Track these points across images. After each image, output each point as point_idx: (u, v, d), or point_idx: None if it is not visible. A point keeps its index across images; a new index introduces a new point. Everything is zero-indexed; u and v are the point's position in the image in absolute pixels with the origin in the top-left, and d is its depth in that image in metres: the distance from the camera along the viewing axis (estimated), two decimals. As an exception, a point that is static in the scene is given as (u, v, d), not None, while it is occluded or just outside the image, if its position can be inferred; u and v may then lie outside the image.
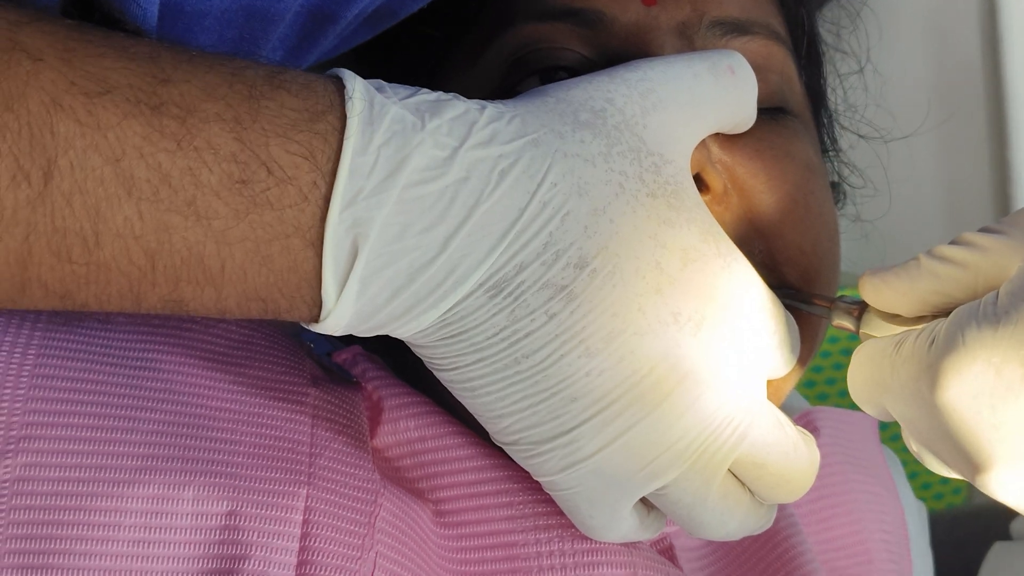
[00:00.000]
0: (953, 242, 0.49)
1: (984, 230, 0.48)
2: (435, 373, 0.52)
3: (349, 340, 0.61)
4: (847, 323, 0.53)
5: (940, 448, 0.47)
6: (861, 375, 0.51)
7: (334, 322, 0.47)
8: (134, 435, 0.51)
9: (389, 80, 0.50)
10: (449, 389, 0.52)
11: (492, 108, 0.49)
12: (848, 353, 1.06)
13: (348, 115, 0.46)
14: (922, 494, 1.06)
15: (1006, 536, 0.87)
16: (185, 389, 0.53)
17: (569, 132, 0.49)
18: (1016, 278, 0.45)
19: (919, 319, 0.50)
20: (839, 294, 0.58)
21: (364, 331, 0.49)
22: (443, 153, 0.47)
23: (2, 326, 0.51)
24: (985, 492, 0.46)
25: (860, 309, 0.53)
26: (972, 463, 0.46)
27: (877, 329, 0.52)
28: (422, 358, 0.52)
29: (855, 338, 0.53)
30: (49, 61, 0.42)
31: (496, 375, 0.49)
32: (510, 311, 0.48)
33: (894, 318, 0.51)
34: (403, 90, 0.48)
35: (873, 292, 0.51)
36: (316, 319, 0.48)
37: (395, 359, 0.62)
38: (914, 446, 0.50)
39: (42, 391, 0.50)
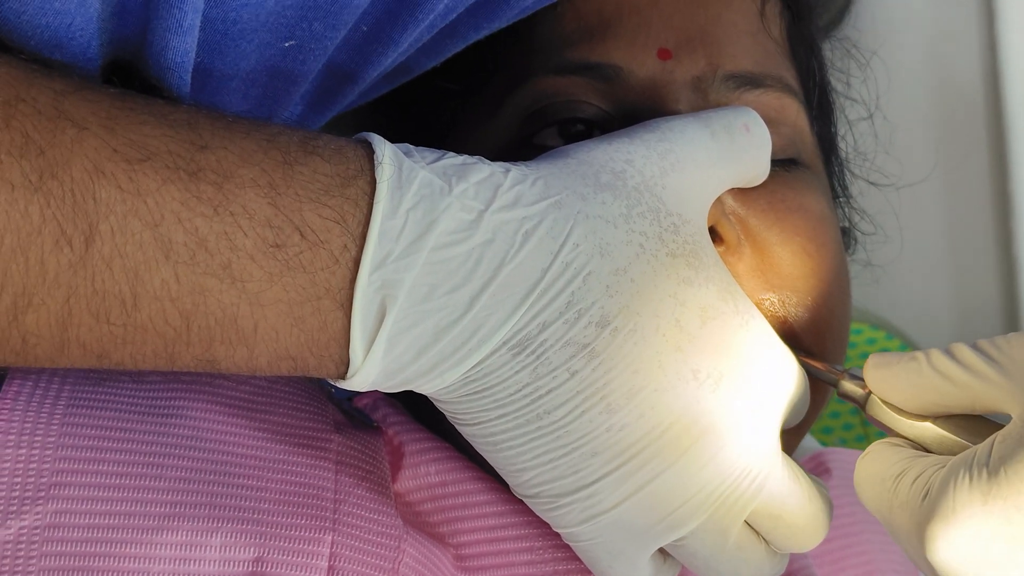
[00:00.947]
0: (951, 354, 0.50)
1: (982, 352, 0.49)
2: (458, 427, 0.53)
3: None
4: (854, 396, 0.55)
5: None
6: (866, 494, 0.52)
7: (361, 379, 0.49)
8: (162, 482, 0.52)
9: (406, 132, 0.51)
10: (471, 443, 0.53)
11: (516, 171, 0.50)
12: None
13: (378, 180, 0.47)
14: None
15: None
16: (211, 436, 0.54)
17: (591, 194, 0.50)
18: (1008, 439, 0.46)
19: (921, 416, 0.52)
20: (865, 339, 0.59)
21: (389, 387, 0.50)
22: (469, 216, 0.48)
23: (32, 377, 0.53)
24: None
25: (868, 389, 0.54)
26: None
27: (881, 415, 0.53)
28: (445, 413, 0.53)
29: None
30: (93, 129, 0.43)
31: (518, 430, 0.50)
32: (533, 368, 0.49)
33: (897, 408, 0.53)
34: (430, 154, 0.50)
35: (877, 386, 0.53)
36: (343, 376, 0.49)
37: (415, 403, 0.63)
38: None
39: (71, 439, 0.51)
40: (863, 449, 0.57)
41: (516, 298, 0.48)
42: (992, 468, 0.45)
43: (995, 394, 0.49)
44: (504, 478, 0.54)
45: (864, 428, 1.07)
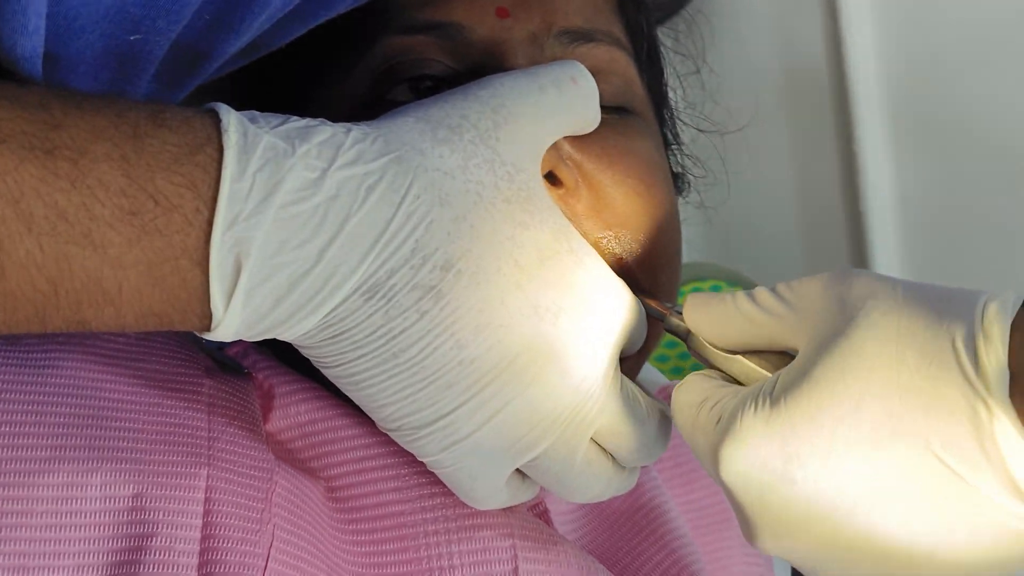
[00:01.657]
0: (753, 296, 0.56)
1: (776, 291, 0.55)
2: (322, 371, 0.56)
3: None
4: (678, 331, 0.60)
5: (729, 502, 0.55)
6: (678, 420, 0.57)
7: (224, 331, 0.51)
8: (41, 428, 0.54)
9: (265, 99, 0.54)
10: (335, 384, 0.56)
11: (357, 130, 0.53)
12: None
13: (225, 146, 0.50)
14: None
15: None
16: (87, 384, 0.57)
17: (429, 148, 0.54)
18: (790, 372, 0.52)
19: (732, 351, 0.57)
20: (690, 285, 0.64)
21: (252, 336, 0.53)
22: (313, 175, 0.51)
23: None
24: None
25: None
26: (746, 527, 0.53)
27: (700, 348, 0.58)
28: (309, 358, 0.56)
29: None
30: None
31: (376, 369, 0.54)
32: (385, 311, 0.52)
33: (713, 344, 0.58)
34: (274, 119, 0.52)
35: (694, 323, 0.58)
36: (208, 329, 0.52)
37: (283, 350, 0.66)
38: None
39: None
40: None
41: (363, 248, 0.51)
42: (775, 398, 0.51)
43: (786, 332, 0.54)
44: (368, 414, 0.57)
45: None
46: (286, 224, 0.50)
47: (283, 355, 0.66)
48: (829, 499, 0.50)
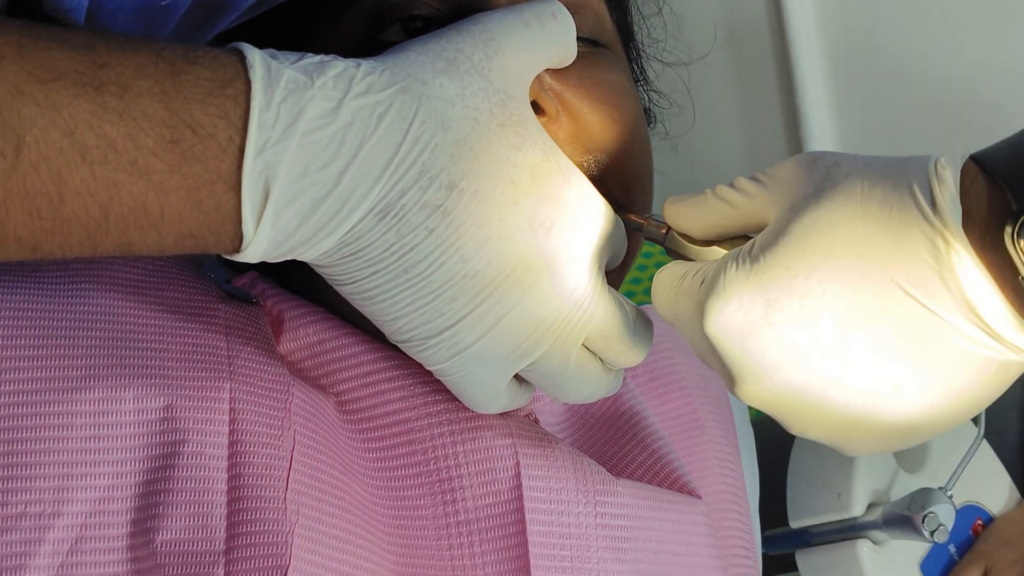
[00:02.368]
0: (732, 184, 0.61)
1: (753, 177, 0.60)
2: (337, 288, 0.60)
3: (243, 270, 0.70)
4: (656, 236, 0.65)
5: (710, 362, 0.60)
6: (659, 298, 0.62)
7: (253, 250, 0.55)
8: (76, 349, 0.59)
9: (266, 39, 0.59)
10: (349, 301, 0.61)
11: (366, 64, 0.57)
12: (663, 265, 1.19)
13: (251, 80, 0.54)
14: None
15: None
16: (112, 311, 0.62)
17: (430, 79, 0.58)
18: (767, 233, 0.57)
19: (708, 242, 0.62)
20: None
21: (277, 256, 0.57)
22: (331, 104, 0.55)
23: None
24: (737, 398, 0.59)
25: (667, 228, 0.64)
26: (728, 377, 0.59)
27: (678, 246, 0.63)
28: (325, 276, 0.60)
29: (666, 253, 0.65)
30: (9, 57, 0.50)
31: (389, 284, 0.58)
32: (397, 229, 0.56)
33: (691, 239, 0.63)
34: (292, 55, 0.56)
35: (672, 217, 0.63)
36: (238, 250, 0.56)
37: (286, 282, 0.70)
38: (697, 357, 0.62)
39: None
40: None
41: (377, 170, 0.55)
42: (754, 255, 0.56)
43: (762, 208, 0.59)
44: (379, 328, 0.61)
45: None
46: (309, 149, 0.54)
47: (287, 286, 0.71)
48: (806, 339, 0.55)
